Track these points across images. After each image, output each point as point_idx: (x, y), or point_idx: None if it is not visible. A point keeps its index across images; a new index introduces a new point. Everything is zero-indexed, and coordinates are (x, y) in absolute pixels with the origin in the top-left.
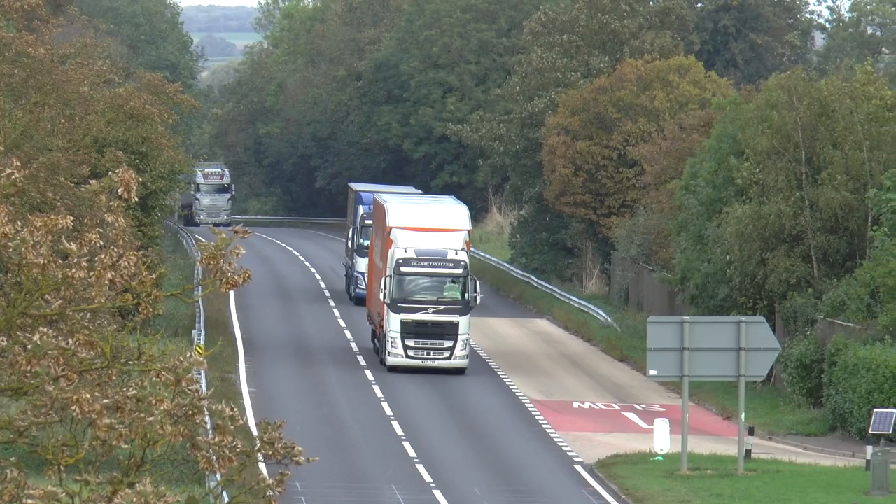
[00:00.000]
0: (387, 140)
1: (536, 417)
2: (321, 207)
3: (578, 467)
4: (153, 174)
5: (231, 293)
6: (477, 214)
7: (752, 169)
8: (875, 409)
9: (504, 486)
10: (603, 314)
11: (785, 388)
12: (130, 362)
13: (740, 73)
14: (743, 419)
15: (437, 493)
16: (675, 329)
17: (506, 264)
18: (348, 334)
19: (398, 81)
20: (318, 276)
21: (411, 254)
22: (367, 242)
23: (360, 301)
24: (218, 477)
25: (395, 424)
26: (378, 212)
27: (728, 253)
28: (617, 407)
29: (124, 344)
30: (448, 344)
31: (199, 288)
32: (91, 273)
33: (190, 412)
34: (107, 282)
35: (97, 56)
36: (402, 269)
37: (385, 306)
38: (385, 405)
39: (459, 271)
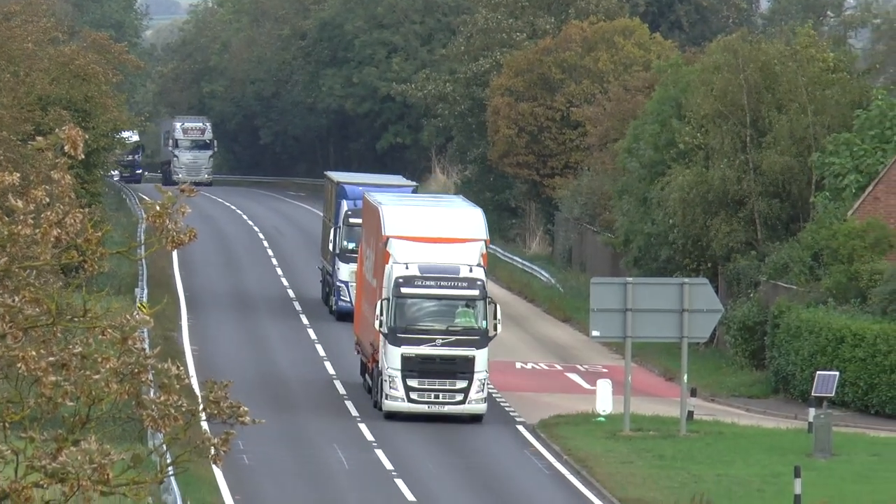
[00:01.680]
0: (330, 101)
1: None
2: (265, 167)
3: (520, 427)
4: (96, 133)
5: (174, 252)
6: (421, 174)
7: (693, 133)
8: (818, 372)
9: (446, 445)
10: (546, 275)
11: (728, 350)
12: (76, 320)
13: (685, 35)
14: (685, 381)
15: (379, 453)
16: (618, 290)
17: None
18: (291, 292)
19: (343, 41)
20: (261, 235)
21: (414, 270)
22: (352, 246)
23: (343, 316)
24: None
25: (338, 384)
26: (370, 215)
27: (671, 217)
28: (560, 368)
29: (69, 301)
30: (461, 384)
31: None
32: (37, 230)
33: (136, 370)
34: (52, 239)
35: (42, 14)
36: (403, 289)
37: (381, 336)
38: (328, 364)
39: (475, 292)
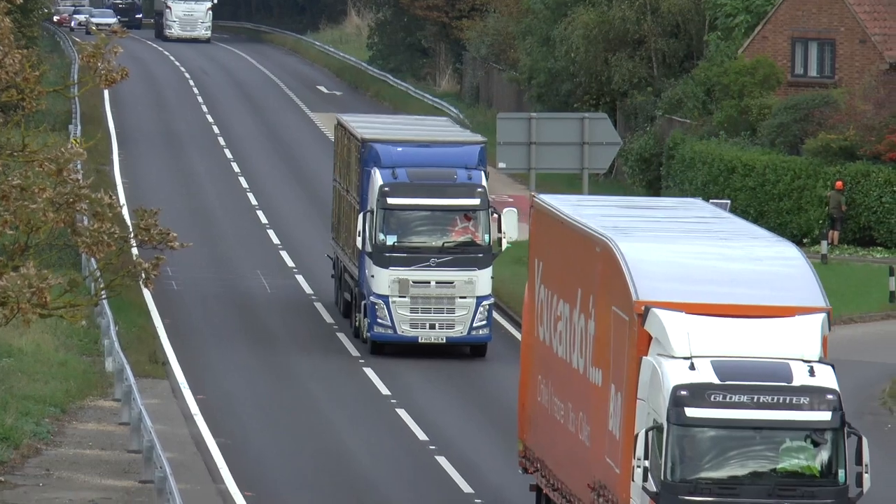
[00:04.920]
0: None
1: None
2: None
3: None
4: None
5: (106, 91)
6: (337, 17)
7: None
8: (710, 200)
9: None
10: (455, 111)
11: (626, 180)
12: (14, 154)
13: None
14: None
15: (300, 278)
16: (522, 124)
17: (364, 64)
18: (216, 128)
19: None
20: (187, 75)
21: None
22: (392, 241)
23: (380, 348)
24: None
25: (260, 214)
26: (564, 240)
27: (573, 52)
28: None
29: (8, 137)
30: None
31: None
32: None
33: (70, 200)
34: None
35: None
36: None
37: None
38: (251, 195)
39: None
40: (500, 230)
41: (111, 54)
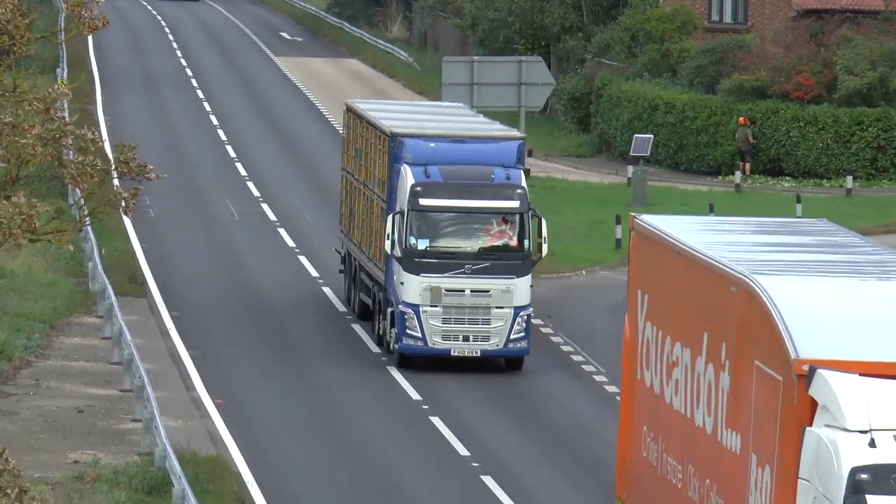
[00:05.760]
0: None
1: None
2: None
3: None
4: None
5: (90, 37)
6: None
7: None
8: (635, 135)
9: (317, 194)
10: (405, 55)
11: (559, 117)
12: (6, 94)
13: None
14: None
15: (265, 206)
16: (466, 67)
17: (322, 12)
18: (189, 71)
19: None
20: (163, 23)
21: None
22: (424, 245)
23: (404, 360)
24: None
25: (229, 148)
26: (693, 280)
27: (511, 2)
28: None
29: (1, 79)
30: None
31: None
32: None
33: (57, 136)
34: None
35: None
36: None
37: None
38: (220, 132)
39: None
40: (540, 234)
41: (94, 3)
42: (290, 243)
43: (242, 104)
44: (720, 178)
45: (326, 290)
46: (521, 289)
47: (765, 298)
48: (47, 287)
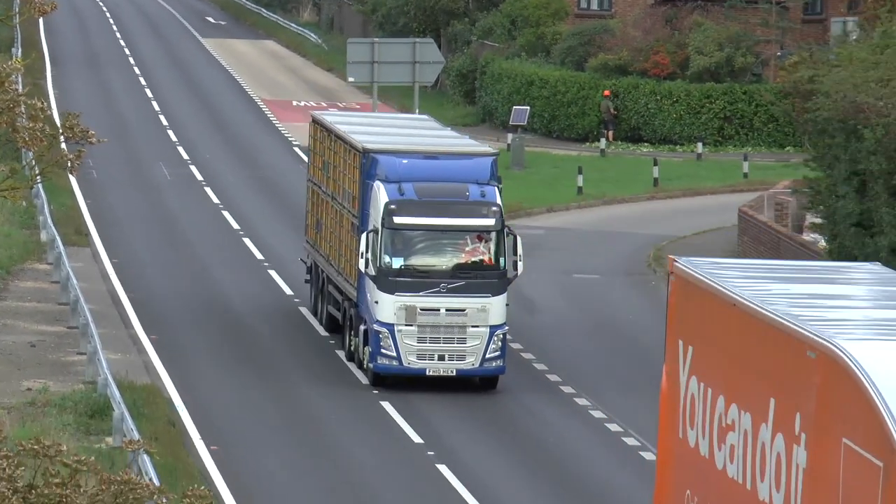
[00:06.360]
0: None
1: (265, 112)
2: None
3: (297, 149)
4: None
5: (41, 20)
6: None
7: None
8: (514, 107)
9: (241, 162)
10: (315, 37)
11: (448, 91)
12: None
13: None
14: (416, 114)
15: (193, 168)
16: (367, 47)
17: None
18: (127, 51)
19: None
20: (105, 9)
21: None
22: (399, 264)
23: (378, 379)
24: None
25: (162, 118)
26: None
27: None
28: (325, 104)
29: None
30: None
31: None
32: None
33: (11, 105)
34: None
35: None
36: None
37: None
38: (154, 104)
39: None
40: (515, 252)
41: None
42: (215, 200)
43: (173, 79)
44: (587, 144)
45: (247, 240)
46: (496, 307)
47: (855, 369)
48: (3, 238)
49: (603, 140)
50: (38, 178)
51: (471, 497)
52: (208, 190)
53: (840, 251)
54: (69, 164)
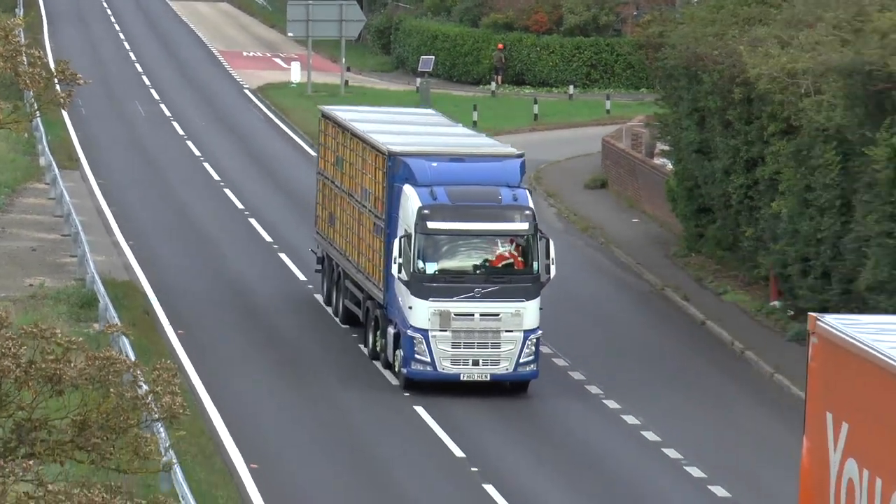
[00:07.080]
0: None
1: (220, 60)
2: None
3: (247, 91)
4: None
5: None
6: None
7: None
8: (422, 56)
9: (202, 102)
10: (263, 1)
11: (369, 44)
12: None
13: None
14: (343, 62)
15: (163, 107)
16: (303, 9)
17: None
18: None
19: None
20: None
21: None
22: (433, 269)
23: (411, 384)
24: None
25: (138, 65)
26: None
27: None
28: (269, 54)
29: None
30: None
31: None
32: None
33: (14, 54)
34: None
35: None
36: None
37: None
38: (131, 54)
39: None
40: (548, 256)
41: None
42: (181, 132)
43: (145, 34)
44: (481, 86)
45: (206, 165)
46: (530, 311)
47: None
48: (10, 162)
49: (493, 84)
50: (37, 113)
51: None
52: (175, 124)
53: (684, 172)
54: (62, 102)
